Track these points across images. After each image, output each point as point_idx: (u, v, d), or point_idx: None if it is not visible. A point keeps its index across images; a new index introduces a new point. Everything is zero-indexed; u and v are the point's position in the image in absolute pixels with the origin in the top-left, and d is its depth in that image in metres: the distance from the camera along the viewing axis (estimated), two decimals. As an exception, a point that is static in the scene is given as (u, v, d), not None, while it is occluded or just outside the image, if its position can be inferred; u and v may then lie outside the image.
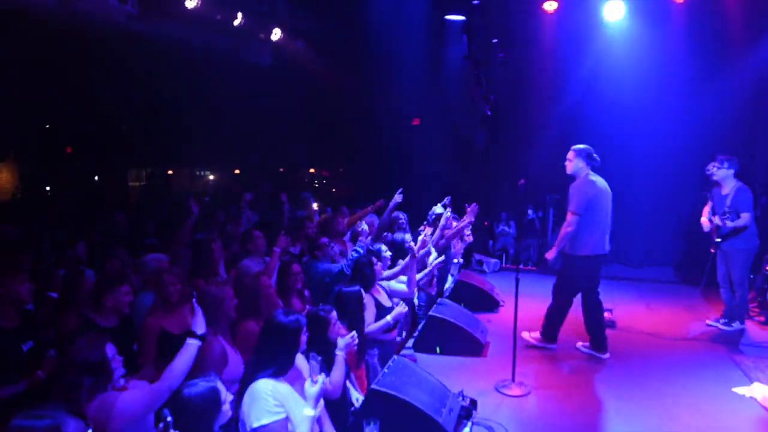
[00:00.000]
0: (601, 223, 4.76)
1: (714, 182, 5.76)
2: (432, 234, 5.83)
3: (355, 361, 3.66)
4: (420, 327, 5.16)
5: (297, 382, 2.69)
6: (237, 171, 15.63)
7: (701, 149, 7.01)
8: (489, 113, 9.00)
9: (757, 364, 4.67)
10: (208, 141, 12.21)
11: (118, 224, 5.97)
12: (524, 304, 5.16)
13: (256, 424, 2.42)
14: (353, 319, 3.59)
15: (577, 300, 5.01)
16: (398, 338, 4.73)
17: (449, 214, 5.92)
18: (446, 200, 6.68)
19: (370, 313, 4.07)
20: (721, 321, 5.81)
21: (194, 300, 3.21)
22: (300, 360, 2.86)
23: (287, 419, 2.48)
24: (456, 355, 4.89)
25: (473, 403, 3.66)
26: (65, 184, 11.68)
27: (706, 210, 5.83)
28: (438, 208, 6.55)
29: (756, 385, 4.20)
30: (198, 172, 16.85)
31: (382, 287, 4.56)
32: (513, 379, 4.25)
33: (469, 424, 3.49)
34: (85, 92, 9.94)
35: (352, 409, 3.28)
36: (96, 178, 13.19)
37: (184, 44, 7.60)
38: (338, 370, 3.09)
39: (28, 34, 6.83)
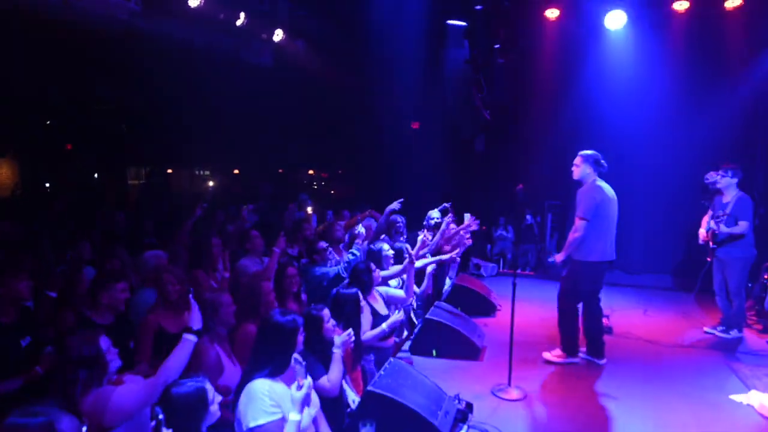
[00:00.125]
0: (608, 229, 4.72)
1: (715, 190, 5.78)
2: (432, 238, 5.85)
3: (351, 363, 3.66)
4: (416, 330, 5.16)
5: (294, 382, 2.69)
6: (236, 171, 15.64)
7: (700, 158, 7.05)
8: (488, 118, 9.03)
9: (754, 372, 4.67)
10: (208, 141, 12.22)
11: (117, 223, 5.98)
12: (521, 308, 5.18)
13: (252, 424, 2.41)
14: (349, 321, 3.59)
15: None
16: (397, 339, 4.73)
17: (449, 219, 5.93)
18: (446, 205, 6.69)
19: (366, 319, 4.07)
20: (719, 329, 5.82)
21: (191, 296, 3.22)
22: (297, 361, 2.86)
23: (283, 419, 2.48)
24: (452, 359, 4.89)
25: (469, 407, 3.66)
26: (65, 181, 11.68)
27: (705, 219, 5.85)
28: (435, 213, 6.56)
29: (753, 392, 4.20)
30: (197, 172, 16.86)
31: (380, 294, 4.56)
32: (509, 383, 4.25)
33: (465, 427, 3.48)
34: (86, 90, 9.95)
35: (348, 410, 3.28)
36: (95, 175, 13.19)
37: (185, 43, 7.59)
38: (336, 367, 3.11)
39: (29, 31, 6.83)
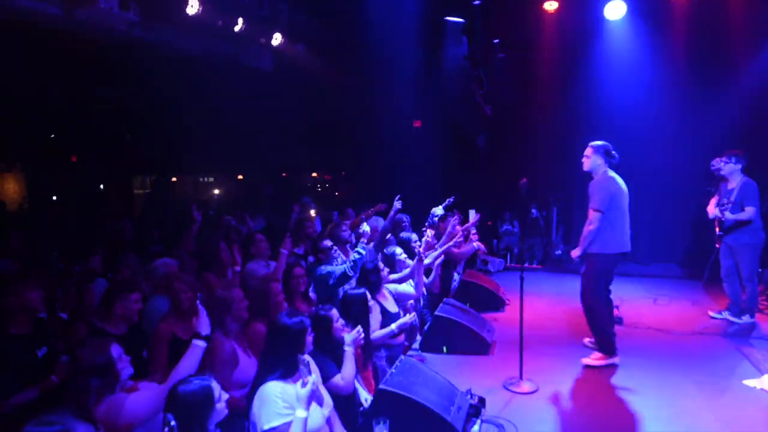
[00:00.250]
0: (622, 220, 4.63)
1: (720, 177, 5.76)
2: (434, 235, 5.88)
3: (362, 362, 3.67)
4: (426, 327, 5.17)
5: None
6: (240, 177, 15.70)
7: (706, 146, 7.00)
8: (490, 113, 9.02)
9: (766, 357, 4.65)
10: (211, 147, 12.27)
11: (124, 232, 6.02)
12: (530, 302, 5.17)
13: (266, 427, 2.43)
14: (358, 321, 3.61)
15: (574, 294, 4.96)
16: (406, 344, 4.75)
17: (455, 220, 5.96)
18: (450, 200, 6.71)
19: (375, 318, 4.09)
20: (725, 313, 5.83)
21: (198, 302, 3.26)
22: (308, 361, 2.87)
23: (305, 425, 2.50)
24: (463, 354, 4.89)
25: (482, 401, 3.66)
26: (70, 192, 11.77)
27: (713, 203, 5.84)
28: (439, 210, 6.59)
29: (766, 377, 4.19)
30: (201, 179, 16.93)
31: (389, 291, 4.58)
32: (521, 377, 4.25)
33: (479, 421, 3.48)
34: (89, 101, 10.02)
35: (361, 409, 3.29)
36: (101, 186, 13.28)
37: (185, 51, 7.64)
38: (349, 365, 3.15)
39: (31, 44, 6.90)
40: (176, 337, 3.35)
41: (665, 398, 4.00)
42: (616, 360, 4.64)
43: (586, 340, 5.13)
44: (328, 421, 2.79)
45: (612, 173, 4.68)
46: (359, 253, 4.51)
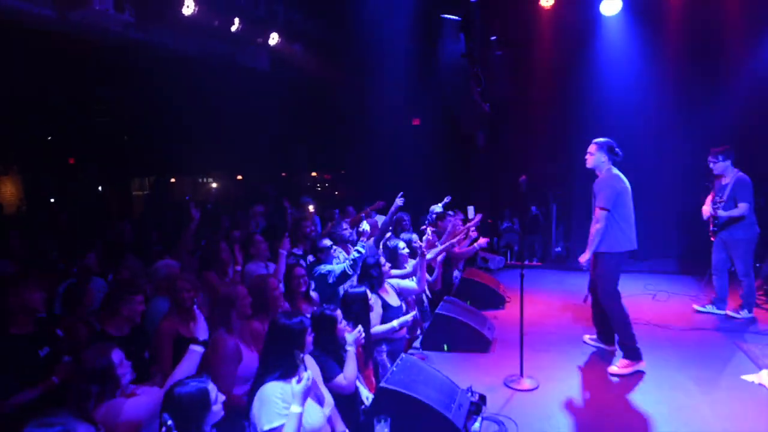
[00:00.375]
0: (629, 217, 4.57)
1: (715, 175, 5.79)
2: (434, 233, 5.90)
3: (363, 361, 3.68)
4: (426, 325, 5.18)
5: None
6: (239, 177, 15.69)
7: (703, 141, 7.00)
8: (488, 111, 9.01)
9: (764, 352, 4.66)
10: (210, 148, 12.27)
11: (124, 234, 6.01)
12: (530, 299, 5.18)
13: (267, 427, 2.44)
14: (358, 319, 3.62)
15: (580, 290, 4.96)
16: (408, 336, 4.76)
17: (457, 219, 5.98)
18: (447, 200, 6.73)
19: (376, 313, 4.09)
20: (710, 306, 5.92)
21: (195, 306, 3.28)
22: (308, 361, 2.88)
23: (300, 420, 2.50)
24: (464, 352, 4.90)
25: (483, 399, 3.67)
26: (69, 195, 11.75)
27: (709, 200, 5.86)
28: (437, 207, 6.59)
29: (765, 372, 4.20)
30: (200, 179, 16.93)
31: (391, 286, 4.59)
32: (521, 374, 4.26)
33: (479, 419, 3.49)
34: (86, 103, 10.01)
35: (363, 407, 3.30)
36: (99, 188, 13.27)
37: (181, 51, 7.63)
38: (351, 364, 3.18)
39: (27, 45, 6.89)
40: (180, 336, 3.37)
41: (664, 393, 4.02)
42: (642, 366, 4.43)
43: (587, 337, 5.14)
44: (329, 420, 2.80)
45: (616, 170, 4.62)
46: (358, 251, 4.52)
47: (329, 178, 17.16)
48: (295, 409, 2.41)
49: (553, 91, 9.14)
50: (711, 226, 5.78)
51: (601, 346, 4.95)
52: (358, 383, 3.37)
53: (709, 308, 5.95)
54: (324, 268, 4.64)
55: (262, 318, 3.48)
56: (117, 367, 2.49)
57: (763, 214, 5.72)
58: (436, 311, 5.11)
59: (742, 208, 5.46)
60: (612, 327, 4.63)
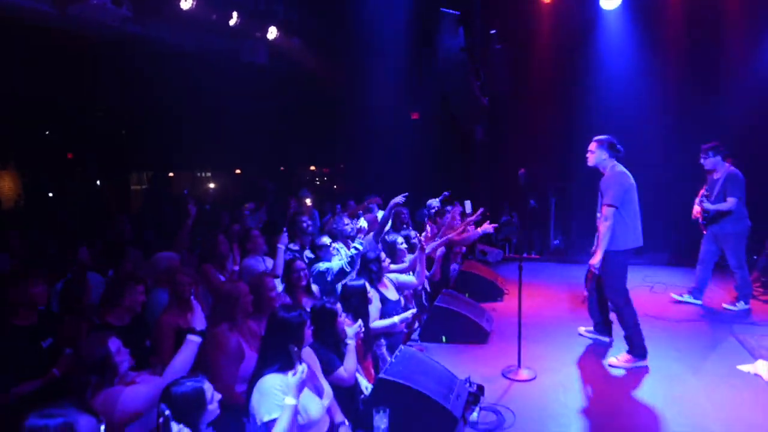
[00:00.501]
0: (636, 214, 4.54)
1: (707, 171, 5.84)
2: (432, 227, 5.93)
3: (362, 352, 3.71)
4: (425, 317, 5.21)
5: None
6: (238, 171, 15.67)
7: (702, 135, 7.00)
8: (487, 105, 9.01)
9: (760, 342, 4.71)
10: (208, 142, 12.25)
11: (124, 234, 6.01)
12: (528, 292, 5.21)
13: (266, 419, 2.47)
14: (357, 312, 3.65)
15: (578, 282, 4.97)
16: (406, 330, 4.79)
17: (456, 212, 6.00)
18: (446, 194, 6.74)
19: (375, 307, 4.12)
20: (687, 296, 6.01)
21: (192, 297, 3.28)
22: (307, 353, 2.90)
23: (296, 412, 2.53)
24: (462, 344, 4.93)
25: (481, 389, 3.70)
26: (67, 189, 11.74)
27: (701, 194, 5.92)
28: (435, 202, 6.60)
29: (760, 362, 4.24)
30: (199, 174, 16.90)
31: (390, 280, 4.61)
32: (519, 365, 4.29)
33: (477, 408, 3.53)
34: (84, 97, 9.98)
35: (362, 397, 3.33)
36: (98, 182, 13.25)
37: (179, 46, 7.62)
38: (351, 357, 3.21)
39: (25, 40, 6.88)
40: (181, 328, 3.39)
41: (661, 384, 4.06)
42: (644, 363, 4.37)
43: (582, 329, 5.16)
44: (328, 410, 2.83)
45: (621, 167, 4.56)
46: (356, 248, 4.55)
47: (328, 172, 17.15)
48: (290, 401, 2.44)
49: (552, 85, 9.15)
50: (701, 219, 5.85)
51: (597, 337, 4.98)
52: (357, 373, 3.40)
53: (687, 297, 6.04)
54: (322, 266, 4.66)
55: (257, 317, 3.47)
56: (114, 354, 2.51)
57: (759, 209, 5.76)
58: (435, 303, 5.14)
59: (730, 202, 5.52)
60: (620, 323, 4.57)
